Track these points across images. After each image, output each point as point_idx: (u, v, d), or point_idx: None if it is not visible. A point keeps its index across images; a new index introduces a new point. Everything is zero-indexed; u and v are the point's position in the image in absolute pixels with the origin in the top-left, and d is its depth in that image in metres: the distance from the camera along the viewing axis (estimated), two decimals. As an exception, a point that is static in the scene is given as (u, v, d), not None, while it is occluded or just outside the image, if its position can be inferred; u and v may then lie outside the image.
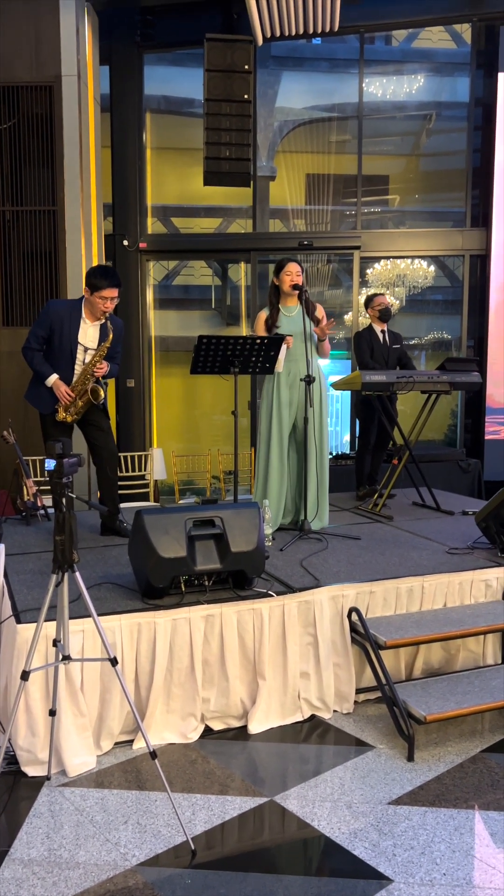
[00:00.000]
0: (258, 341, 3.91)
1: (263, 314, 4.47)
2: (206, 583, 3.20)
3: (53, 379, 3.92)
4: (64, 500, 2.32)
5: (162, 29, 7.71)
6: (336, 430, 11.01)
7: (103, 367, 3.92)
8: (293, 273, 4.30)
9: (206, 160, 6.57)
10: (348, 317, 8.33)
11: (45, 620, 2.77)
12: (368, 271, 8.76)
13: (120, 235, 7.74)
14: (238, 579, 3.24)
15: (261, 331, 4.44)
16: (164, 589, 3.09)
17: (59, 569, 2.38)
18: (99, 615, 2.96)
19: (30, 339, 3.96)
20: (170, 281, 9.63)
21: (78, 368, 3.98)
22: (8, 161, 6.24)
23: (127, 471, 6.73)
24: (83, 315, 3.95)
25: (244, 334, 4.23)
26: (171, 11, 7.54)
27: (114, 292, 3.85)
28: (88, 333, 3.96)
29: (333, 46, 8.65)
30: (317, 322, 4.40)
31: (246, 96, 6.56)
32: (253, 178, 7.98)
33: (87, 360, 3.97)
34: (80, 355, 3.96)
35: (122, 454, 6.84)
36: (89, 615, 2.50)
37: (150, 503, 6.16)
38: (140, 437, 7.89)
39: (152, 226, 8.48)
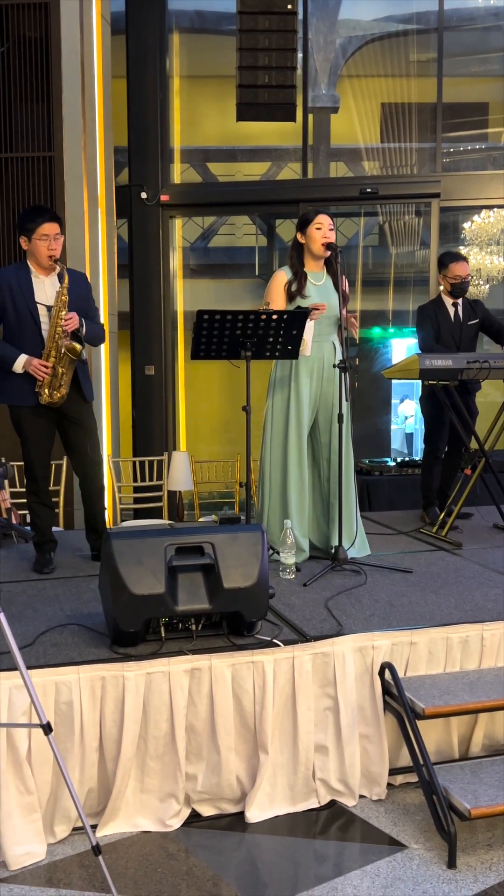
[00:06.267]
0: (275, 316, 3.81)
1: (282, 276, 4.25)
2: (193, 627, 3.12)
3: (22, 361, 3.93)
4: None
5: None
6: (417, 428, 10.82)
7: (71, 318, 3.92)
8: (325, 226, 4.15)
9: (239, 89, 6.54)
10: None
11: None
12: (466, 225, 8.50)
13: (137, 186, 7.77)
14: (235, 623, 3.15)
15: (277, 298, 4.21)
16: (137, 634, 3.03)
17: (-21, 609, 2.35)
18: (53, 666, 2.95)
19: None
20: (205, 242, 9.60)
21: (47, 334, 3.99)
22: (-6, 97, 6.33)
23: (141, 480, 6.73)
24: (32, 271, 4.00)
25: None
26: None
27: (54, 227, 3.91)
28: (46, 289, 3.99)
29: None
30: (344, 299, 4.23)
31: (290, 7, 6.49)
32: (305, 110, 7.90)
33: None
34: (43, 318, 3.99)
35: (135, 459, 6.86)
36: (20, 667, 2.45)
37: (163, 521, 6.14)
38: (161, 437, 7.89)
39: (181, 174, 8.46)
